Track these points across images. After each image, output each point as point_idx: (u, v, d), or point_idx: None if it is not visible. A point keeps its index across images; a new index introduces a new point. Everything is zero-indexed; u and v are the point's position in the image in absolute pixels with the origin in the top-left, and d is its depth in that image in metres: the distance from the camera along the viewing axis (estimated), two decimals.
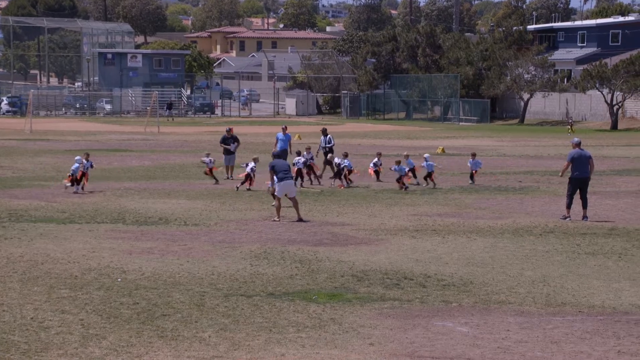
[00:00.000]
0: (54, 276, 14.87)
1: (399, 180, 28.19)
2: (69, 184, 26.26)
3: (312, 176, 29.65)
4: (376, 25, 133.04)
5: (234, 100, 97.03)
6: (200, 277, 15.02)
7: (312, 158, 29.62)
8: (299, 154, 28.94)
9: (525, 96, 76.32)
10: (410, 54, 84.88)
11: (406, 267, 16.15)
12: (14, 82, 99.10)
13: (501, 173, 34.32)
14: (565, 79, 78.74)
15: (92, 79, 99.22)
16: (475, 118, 77.87)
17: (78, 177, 26.13)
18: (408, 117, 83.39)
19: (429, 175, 28.99)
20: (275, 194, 21.88)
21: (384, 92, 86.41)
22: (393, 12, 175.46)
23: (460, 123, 76.99)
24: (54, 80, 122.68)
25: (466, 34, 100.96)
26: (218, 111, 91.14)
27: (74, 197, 25.32)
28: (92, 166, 27.18)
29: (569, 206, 22.19)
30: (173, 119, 74.87)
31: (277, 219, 21.50)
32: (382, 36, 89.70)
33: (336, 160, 29.73)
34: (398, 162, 28.46)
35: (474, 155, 30.89)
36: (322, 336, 11.66)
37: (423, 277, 15.33)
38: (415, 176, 29.63)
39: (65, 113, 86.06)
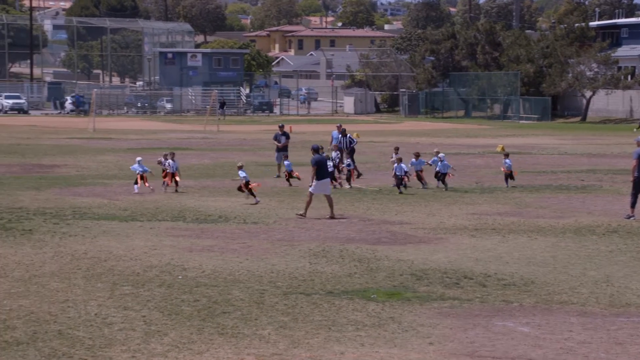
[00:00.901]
0: (116, 273, 15.08)
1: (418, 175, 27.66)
2: (147, 186, 25.96)
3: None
4: (435, 23, 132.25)
5: (292, 98, 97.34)
6: (259, 275, 15.10)
7: (339, 157, 29.97)
8: (337, 150, 29.88)
9: (588, 94, 75.20)
10: (470, 52, 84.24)
11: (466, 266, 16.04)
12: (78, 82, 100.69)
13: (563, 171, 33.89)
14: (629, 76, 77.35)
15: (152, 78, 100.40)
16: (535, 116, 76.99)
17: (144, 177, 26.18)
18: (467, 115, 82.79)
19: (443, 176, 27.87)
20: (311, 190, 21.87)
21: (442, 90, 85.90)
22: (452, 9, 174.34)
23: (521, 121, 76.17)
24: (116, 80, 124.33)
25: (527, 31, 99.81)
26: (276, 110, 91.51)
27: (135, 195, 25.64)
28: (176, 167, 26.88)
29: (633, 205, 21.83)
30: (224, 117, 75.40)
31: (303, 214, 21.57)
32: (441, 34, 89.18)
33: (345, 161, 29.74)
34: (417, 156, 27.89)
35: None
36: (382, 335, 11.64)
37: (483, 277, 15.21)
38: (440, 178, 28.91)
39: (127, 112, 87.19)
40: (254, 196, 24.10)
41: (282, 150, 31.68)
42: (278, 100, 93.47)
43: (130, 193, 25.99)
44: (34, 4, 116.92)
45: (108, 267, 15.53)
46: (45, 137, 51.76)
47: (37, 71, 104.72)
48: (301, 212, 21.74)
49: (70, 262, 15.94)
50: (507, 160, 28.71)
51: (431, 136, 55.85)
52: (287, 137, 32.21)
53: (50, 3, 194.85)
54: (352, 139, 31.54)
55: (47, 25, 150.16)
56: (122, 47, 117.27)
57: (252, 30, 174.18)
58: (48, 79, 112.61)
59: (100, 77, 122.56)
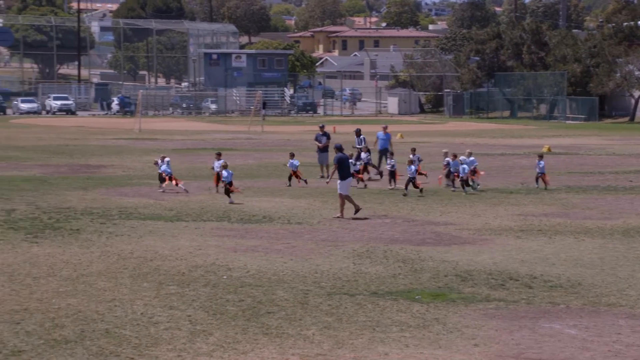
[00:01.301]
0: (162, 273, 15.20)
1: (448, 176, 27.32)
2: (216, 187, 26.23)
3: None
4: (480, 23, 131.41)
5: (336, 99, 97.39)
6: (303, 275, 15.13)
7: (369, 158, 30.37)
8: (367, 150, 29.95)
9: (636, 93, 74.20)
10: (515, 52, 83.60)
11: (511, 268, 15.92)
12: (124, 83, 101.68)
13: (610, 172, 33.49)
14: None
15: (197, 79, 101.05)
16: (582, 116, 76.16)
17: (173, 179, 26.26)
18: (512, 116, 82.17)
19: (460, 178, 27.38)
20: (340, 191, 21.85)
21: (487, 90, 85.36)
22: (497, 9, 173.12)
23: (567, 121, 75.41)
24: (161, 81, 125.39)
25: (573, 30, 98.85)
26: (320, 110, 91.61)
27: (180, 195, 25.82)
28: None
29: None
30: (264, 119, 75.71)
31: (340, 216, 21.65)
32: (486, 34, 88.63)
33: (363, 155, 30.01)
34: (455, 156, 27.45)
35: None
36: (426, 336, 11.60)
37: (529, 278, 15.08)
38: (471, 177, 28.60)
39: (172, 112, 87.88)
40: (229, 197, 24.20)
41: (323, 150, 31.69)
42: (322, 100, 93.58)
43: (175, 193, 26.18)
44: (82, 6, 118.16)
45: (154, 267, 15.66)
46: (92, 137, 52.36)
47: (84, 72, 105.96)
48: (338, 215, 21.80)
49: (116, 261, 16.11)
50: (541, 162, 27.98)
51: (476, 137, 55.52)
52: (328, 137, 32.21)
53: (98, 5, 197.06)
54: (364, 140, 31.37)
55: (95, 27, 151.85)
56: (168, 48, 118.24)
57: (296, 31, 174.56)
58: (95, 80, 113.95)
59: (146, 78, 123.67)
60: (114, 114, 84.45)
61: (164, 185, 26.32)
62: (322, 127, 32.63)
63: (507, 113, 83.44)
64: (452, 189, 27.28)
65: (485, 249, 17.86)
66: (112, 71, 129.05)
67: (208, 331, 11.64)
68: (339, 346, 11.11)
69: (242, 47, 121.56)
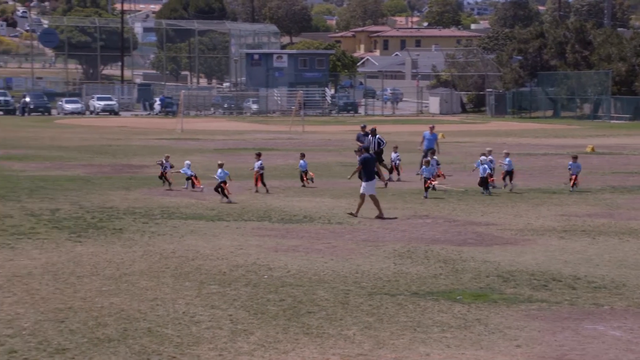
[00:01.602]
0: (204, 272, 15.28)
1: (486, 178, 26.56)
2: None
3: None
4: (523, 22, 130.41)
5: (377, 99, 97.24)
6: (344, 275, 15.12)
7: (399, 158, 30.46)
8: (395, 149, 30.29)
9: None
10: (559, 51, 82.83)
11: (554, 269, 15.78)
12: (166, 83, 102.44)
13: None
14: None
15: (239, 79, 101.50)
16: (627, 116, 75.24)
17: (197, 179, 26.40)
18: (556, 115, 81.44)
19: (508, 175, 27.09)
20: (363, 192, 21.80)
21: (530, 89, 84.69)
22: (541, 8, 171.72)
23: (612, 121, 74.55)
24: (203, 81, 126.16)
25: (618, 29, 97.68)
26: (361, 110, 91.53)
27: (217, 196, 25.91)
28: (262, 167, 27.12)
29: None
30: (303, 118, 75.71)
31: (355, 214, 21.69)
32: (529, 33, 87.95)
33: (393, 155, 30.18)
34: (488, 153, 26.95)
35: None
36: (468, 337, 11.53)
37: (572, 279, 14.94)
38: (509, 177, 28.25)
39: (214, 113, 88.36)
40: (227, 197, 24.20)
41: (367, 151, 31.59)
42: (363, 100, 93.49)
43: (217, 194, 26.31)
44: (125, 7, 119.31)
45: (195, 266, 15.75)
46: (134, 137, 52.82)
47: (127, 73, 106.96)
48: (353, 212, 21.78)
49: (158, 260, 16.23)
50: (575, 163, 27.24)
51: (518, 136, 55.12)
52: (377, 138, 32.04)
53: (141, 6, 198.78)
54: (382, 140, 30.57)
55: (138, 28, 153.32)
56: (210, 48, 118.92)
57: (337, 30, 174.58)
58: (138, 80, 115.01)
59: (188, 78, 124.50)
60: (156, 114, 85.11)
61: (199, 185, 26.32)
62: (363, 127, 32.53)
63: (550, 113, 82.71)
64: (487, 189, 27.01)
65: (528, 249, 17.72)
66: (154, 72, 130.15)
67: (249, 330, 11.68)
68: (379, 346, 11.09)
69: (283, 47, 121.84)
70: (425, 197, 25.30)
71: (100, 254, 16.68)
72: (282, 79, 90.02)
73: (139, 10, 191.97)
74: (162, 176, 27.23)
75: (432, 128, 32.69)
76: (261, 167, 26.58)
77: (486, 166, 26.19)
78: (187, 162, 27.26)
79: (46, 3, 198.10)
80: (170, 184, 27.01)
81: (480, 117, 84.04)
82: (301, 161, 28.42)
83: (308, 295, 13.61)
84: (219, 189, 24.38)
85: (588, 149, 43.00)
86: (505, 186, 27.40)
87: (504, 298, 13.60)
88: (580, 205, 24.35)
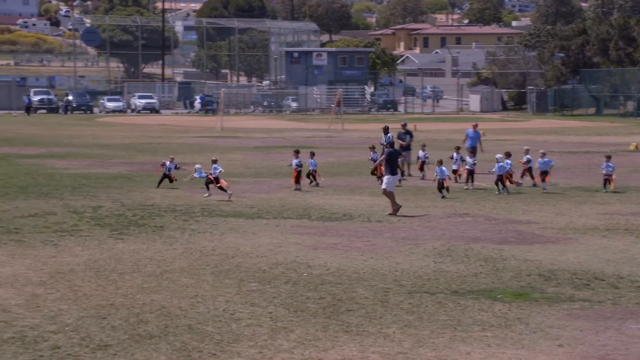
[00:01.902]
0: (243, 270, 15.34)
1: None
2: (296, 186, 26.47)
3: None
4: (565, 19, 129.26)
5: (417, 97, 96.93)
6: (383, 274, 15.10)
7: (426, 156, 30.42)
8: (423, 147, 30.24)
9: None
10: (601, 48, 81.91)
11: (597, 267, 15.62)
12: (206, 82, 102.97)
13: None
14: None
15: (278, 77, 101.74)
16: None
17: (214, 180, 25.92)
18: (598, 113, 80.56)
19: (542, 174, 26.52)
20: (385, 187, 21.74)
21: (572, 87, 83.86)
22: (583, 4, 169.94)
23: None
24: (243, 79, 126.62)
25: None
26: (401, 108, 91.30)
27: (261, 192, 26.04)
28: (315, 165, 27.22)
29: None
30: (340, 117, 75.68)
31: (393, 212, 21.62)
32: (571, 30, 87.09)
33: (421, 153, 30.02)
34: (508, 155, 26.36)
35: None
36: (509, 336, 11.46)
37: (615, 278, 14.78)
38: (532, 176, 27.72)
39: (254, 111, 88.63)
40: (225, 191, 24.25)
41: (406, 149, 31.50)
42: (402, 98, 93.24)
43: (256, 190, 26.42)
44: (166, 5, 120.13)
45: (235, 264, 15.82)
46: (175, 135, 53.17)
47: (168, 71, 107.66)
48: (391, 212, 21.69)
49: (199, 258, 16.32)
50: (609, 164, 26.42)
51: (560, 134, 54.63)
52: (411, 135, 32.00)
53: (182, 5, 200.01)
54: (392, 140, 29.54)
55: (178, 26, 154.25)
56: (250, 47, 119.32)
57: (377, 28, 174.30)
58: (178, 79, 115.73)
59: (228, 76, 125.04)
60: (197, 112, 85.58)
61: (225, 183, 25.36)
62: (404, 125, 32.33)
63: (592, 110, 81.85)
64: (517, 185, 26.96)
65: (570, 248, 17.56)
66: (194, 70, 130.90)
67: (289, 328, 11.70)
68: (419, 345, 11.06)
69: (323, 45, 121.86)
70: (443, 197, 24.82)
71: (141, 251, 16.82)
72: (321, 77, 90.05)
73: (180, 9, 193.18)
74: (166, 177, 26.55)
75: (475, 126, 32.36)
76: (299, 165, 26.62)
77: (503, 164, 25.88)
78: (198, 165, 26.44)
79: (89, 2, 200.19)
80: (172, 181, 26.55)
81: (521, 114, 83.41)
82: (310, 159, 27.87)
83: (347, 293, 13.61)
84: (219, 187, 24.42)
85: (631, 147, 42.51)
86: (534, 185, 27.29)
87: (546, 297, 13.49)
88: (624, 203, 24.07)
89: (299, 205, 23.50)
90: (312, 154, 28.11)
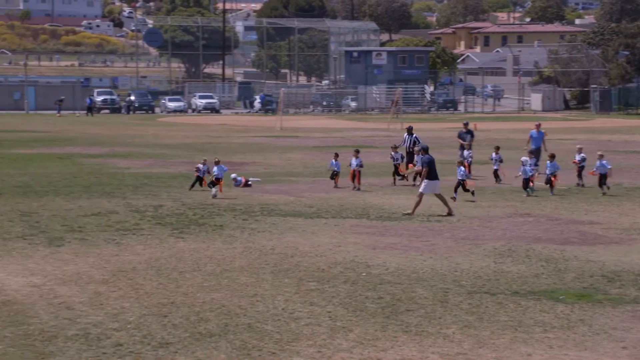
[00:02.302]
0: (302, 269, 15.39)
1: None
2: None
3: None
4: (630, 16, 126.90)
5: (477, 96, 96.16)
6: (443, 274, 15.02)
7: (471, 156, 30.02)
8: (462, 148, 29.61)
9: None
10: None
11: None
12: (266, 81, 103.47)
13: None
14: None
15: (338, 76, 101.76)
16: None
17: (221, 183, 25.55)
18: None
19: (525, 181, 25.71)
20: (421, 190, 21.56)
21: (637, 85, 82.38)
22: None
23: None
24: (302, 79, 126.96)
25: None
26: (461, 107, 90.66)
27: (320, 192, 26.08)
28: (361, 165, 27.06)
29: None
30: (397, 116, 75.50)
31: (411, 213, 21.46)
32: (636, 27, 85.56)
33: (465, 153, 29.57)
34: (579, 151, 25.89)
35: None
36: (571, 337, 11.31)
37: None
38: (580, 175, 27.20)
39: (313, 110, 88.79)
40: (218, 190, 24.32)
41: (467, 148, 31.24)
42: (463, 97, 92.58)
43: (316, 190, 26.47)
44: (227, 6, 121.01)
45: (294, 263, 15.87)
46: (235, 135, 53.53)
47: (228, 71, 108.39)
48: (408, 212, 21.58)
49: (258, 257, 16.41)
50: (604, 162, 25.78)
51: (624, 133, 53.71)
52: (472, 135, 31.73)
53: (242, 5, 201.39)
54: (418, 140, 29.20)
55: (239, 26, 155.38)
56: (309, 46, 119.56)
57: (437, 27, 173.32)
58: (239, 79, 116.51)
59: (288, 76, 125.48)
60: (256, 112, 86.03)
61: (213, 190, 24.84)
62: (466, 125, 32.04)
63: None
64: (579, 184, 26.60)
65: (634, 249, 17.27)
66: (254, 70, 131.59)
67: (348, 328, 11.70)
68: (479, 345, 10.97)
69: (382, 44, 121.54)
70: (472, 195, 24.30)
71: (201, 250, 16.97)
72: (381, 76, 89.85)
73: (240, 9, 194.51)
74: (199, 181, 25.88)
75: (538, 126, 31.67)
76: (360, 165, 26.57)
77: (527, 168, 25.21)
78: (221, 165, 25.76)
79: (151, 3, 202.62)
80: (201, 184, 25.81)
81: (584, 114, 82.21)
82: (332, 160, 27.27)
83: (407, 293, 13.57)
84: (212, 184, 24.54)
85: None
86: (577, 184, 27.16)
87: (609, 298, 13.29)
88: None
89: (357, 204, 23.48)
90: (336, 155, 27.40)
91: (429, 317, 12.21)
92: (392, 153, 28.90)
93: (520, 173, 25.38)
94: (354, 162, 26.70)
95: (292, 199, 24.56)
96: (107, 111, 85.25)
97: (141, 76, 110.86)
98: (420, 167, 22.36)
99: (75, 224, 19.76)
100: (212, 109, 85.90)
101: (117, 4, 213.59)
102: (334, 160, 27.26)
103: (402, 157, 28.72)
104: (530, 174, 25.35)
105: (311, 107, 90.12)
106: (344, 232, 19.28)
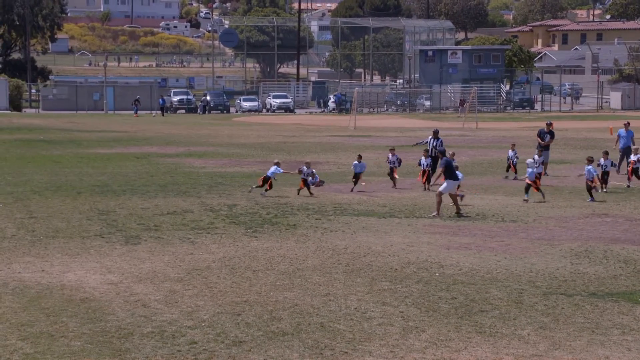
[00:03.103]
0: (375, 268, 15.37)
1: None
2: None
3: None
4: None
5: (555, 94, 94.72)
6: (518, 274, 14.85)
7: (516, 156, 29.45)
8: (540, 147, 28.62)
9: None
10: None
11: None
12: (341, 81, 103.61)
13: None
14: None
15: (412, 76, 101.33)
16: None
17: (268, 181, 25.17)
18: None
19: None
20: (441, 190, 21.41)
21: None
22: None
23: None
24: (376, 78, 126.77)
25: None
26: (538, 106, 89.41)
27: (393, 192, 26.00)
28: (399, 162, 27.08)
29: None
30: (463, 116, 74.75)
31: (437, 214, 21.22)
32: None
33: (510, 153, 28.97)
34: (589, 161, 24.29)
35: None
36: None
37: None
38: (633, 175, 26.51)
39: (387, 110, 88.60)
40: (266, 189, 24.62)
41: (545, 148, 30.77)
42: (539, 96, 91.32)
43: (389, 189, 26.40)
44: (302, 6, 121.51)
45: (367, 263, 15.86)
46: (309, 134, 53.70)
47: (302, 71, 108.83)
48: (434, 213, 21.34)
49: (331, 256, 16.44)
50: (606, 161, 24.84)
51: None
52: (552, 136, 31.21)
53: (317, 5, 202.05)
54: (442, 143, 27.81)
55: (314, 26, 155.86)
56: (384, 45, 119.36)
57: (514, 25, 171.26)
58: (313, 78, 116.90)
59: (362, 75, 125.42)
60: (330, 111, 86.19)
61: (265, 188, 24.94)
62: (549, 124, 31.48)
63: None
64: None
65: None
66: (329, 69, 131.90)
67: (420, 328, 11.65)
68: (555, 347, 10.82)
69: (458, 43, 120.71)
70: (592, 200, 23.60)
71: (274, 249, 17.07)
72: (456, 75, 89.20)
73: (315, 9, 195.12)
74: (307, 185, 25.13)
75: (627, 125, 30.88)
76: (429, 165, 26.37)
77: (591, 169, 23.97)
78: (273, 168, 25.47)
79: (227, 4, 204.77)
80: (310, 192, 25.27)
81: None
82: (355, 162, 26.18)
83: (480, 294, 13.45)
84: (264, 183, 24.82)
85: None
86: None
87: None
88: None
89: (431, 204, 23.31)
90: (360, 157, 26.46)
91: (503, 318, 12.09)
92: (389, 155, 27.22)
93: (584, 173, 24.33)
94: (423, 161, 26.58)
95: (365, 198, 24.55)
96: (183, 111, 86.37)
97: (217, 76, 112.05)
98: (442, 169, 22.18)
99: (151, 223, 20.07)
100: (286, 109, 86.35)
101: (195, 5, 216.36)
102: (356, 162, 26.17)
103: (400, 161, 27.19)
104: (532, 175, 23.76)
105: (385, 106, 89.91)
106: (417, 231, 19.20)
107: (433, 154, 27.35)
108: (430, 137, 28.88)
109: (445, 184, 21.65)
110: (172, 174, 30.74)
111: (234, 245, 17.45)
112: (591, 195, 24.04)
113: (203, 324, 11.82)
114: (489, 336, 11.28)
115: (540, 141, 31.07)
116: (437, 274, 14.86)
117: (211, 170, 32.60)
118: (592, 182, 23.97)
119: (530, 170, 24.02)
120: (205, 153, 40.22)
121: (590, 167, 24.09)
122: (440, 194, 21.59)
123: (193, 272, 15.00)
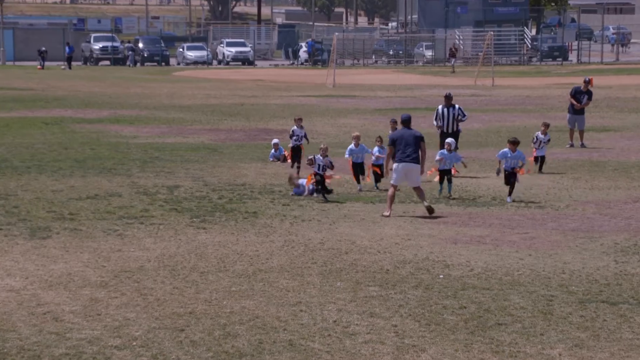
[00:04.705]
0: (360, 269, 15.42)
1: None
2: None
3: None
4: None
5: (595, 41, 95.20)
6: (546, 277, 14.97)
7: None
8: (573, 111, 29.52)
9: None
10: None
11: None
12: (315, 24, 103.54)
13: None
14: None
15: (409, 17, 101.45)
16: None
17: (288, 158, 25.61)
18: None
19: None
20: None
21: None
22: None
23: None
24: (362, 21, 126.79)
25: None
26: (572, 57, 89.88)
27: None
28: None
29: None
30: (454, 71, 75.15)
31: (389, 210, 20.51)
32: None
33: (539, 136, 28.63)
34: None
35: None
36: None
37: None
38: None
39: (376, 62, 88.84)
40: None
41: (579, 112, 30.96)
42: (575, 43, 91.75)
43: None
44: None
45: (350, 262, 15.91)
46: (274, 94, 53.71)
47: (265, 11, 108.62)
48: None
49: (303, 254, 16.48)
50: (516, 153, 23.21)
51: None
52: (590, 97, 31.46)
53: None
54: (462, 113, 25.84)
55: None
56: None
57: None
58: (279, 21, 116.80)
59: (344, 17, 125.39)
60: (302, 64, 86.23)
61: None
62: (587, 82, 31.68)
63: None
64: None
65: None
66: (300, 9, 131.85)
67: (419, 346, 11.73)
68: None
69: None
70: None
71: (229, 245, 17.08)
72: (465, 16, 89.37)
73: None
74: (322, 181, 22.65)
75: None
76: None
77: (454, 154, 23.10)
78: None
79: None
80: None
81: None
82: (351, 146, 23.78)
83: (497, 302, 13.55)
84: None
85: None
86: None
87: None
88: None
89: (433, 186, 23.39)
90: (380, 140, 24.36)
91: (527, 334, 12.20)
92: (377, 146, 24.48)
93: None
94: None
95: (348, 177, 24.59)
96: (107, 62, 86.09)
97: (152, 17, 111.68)
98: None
99: (66, 210, 20.01)
100: (244, 60, 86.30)
101: None
102: (352, 146, 23.78)
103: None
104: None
105: (373, 57, 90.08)
106: (414, 221, 19.28)
107: (453, 129, 25.55)
108: (441, 106, 26.21)
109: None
110: (92, 146, 30.65)
111: (175, 239, 17.45)
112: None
113: (134, 343, 11.82)
114: (508, 357, 11.39)
115: (574, 102, 31.22)
116: (441, 277, 14.95)
117: (145, 140, 32.53)
118: None
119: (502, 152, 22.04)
120: (137, 118, 40.10)
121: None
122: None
123: (121, 275, 14.99)
